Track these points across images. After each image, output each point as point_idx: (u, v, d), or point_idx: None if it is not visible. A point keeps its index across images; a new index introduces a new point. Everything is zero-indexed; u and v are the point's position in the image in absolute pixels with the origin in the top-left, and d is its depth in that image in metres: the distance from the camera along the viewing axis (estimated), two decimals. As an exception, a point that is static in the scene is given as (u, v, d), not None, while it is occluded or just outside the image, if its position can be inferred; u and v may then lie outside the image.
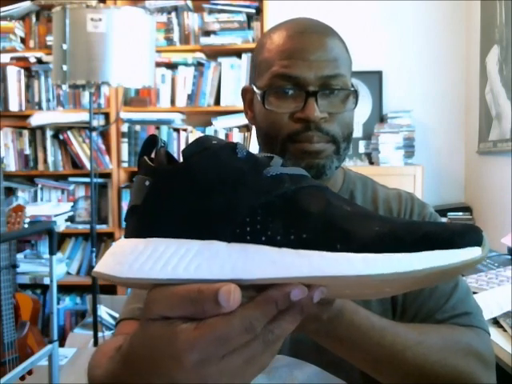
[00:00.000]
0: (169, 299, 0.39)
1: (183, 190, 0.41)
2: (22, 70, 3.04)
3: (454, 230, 0.38)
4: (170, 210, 0.40)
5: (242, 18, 2.91)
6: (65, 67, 2.14)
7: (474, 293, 1.39)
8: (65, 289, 2.98)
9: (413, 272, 0.37)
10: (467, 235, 0.38)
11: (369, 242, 0.38)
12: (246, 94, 0.86)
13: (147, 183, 0.42)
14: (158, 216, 0.41)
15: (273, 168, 0.42)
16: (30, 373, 2.09)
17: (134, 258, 0.40)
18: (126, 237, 0.43)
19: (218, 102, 2.97)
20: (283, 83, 0.76)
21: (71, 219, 3.03)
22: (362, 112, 3.02)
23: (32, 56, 2.99)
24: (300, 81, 0.75)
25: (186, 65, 2.98)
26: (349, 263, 0.37)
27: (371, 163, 2.91)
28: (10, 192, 3.07)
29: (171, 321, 0.39)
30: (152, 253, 0.39)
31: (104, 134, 3.01)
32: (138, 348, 0.42)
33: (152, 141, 0.45)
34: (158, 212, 0.41)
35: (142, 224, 0.41)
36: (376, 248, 0.38)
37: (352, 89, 0.79)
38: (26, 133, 3.05)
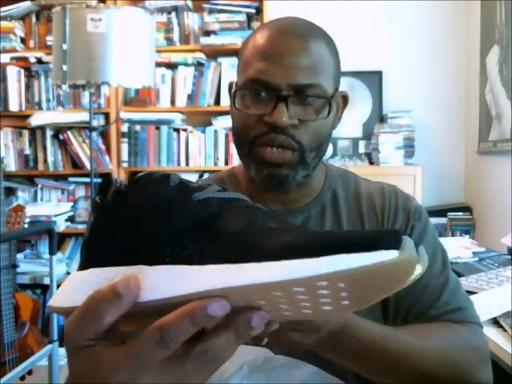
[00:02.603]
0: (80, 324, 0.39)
1: (118, 221, 0.43)
2: (22, 70, 3.04)
3: (370, 234, 0.36)
4: (107, 241, 0.43)
5: (242, 17, 2.91)
6: (65, 67, 2.14)
7: (474, 293, 1.39)
8: (65, 289, 2.98)
9: (314, 277, 0.34)
10: (382, 239, 0.35)
11: (275, 251, 0.36)
12: (231, 89, 0.85)
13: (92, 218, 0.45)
14: (98, 248, 0.44)
15: (202, 193, 0.43)
16: (30, 373, 2.09)
17: (77, 288, 0.42)
18: (77, 270, 0.45)
19: (218, 102, 2.97)
20: (256, 87, 0.75)
21: (71, 219, 3.03)
22: (361, 112, 3.03)
23: (32, 56, 2.99)
24: (271, 86, 0.74)
25: (186, 65, 2.98)
26: (251, 272, 0.36)
27: (371, 163, 2.91)
28: (10, 192, 3.07)
29: (93, 346, 0.39)
30: (92, 282, 0.41)
31: (104, 134, 3.01)
32: (73, 379, 0.42)
33: (107, 182, 0.47)
34: (98, 244, 0.44)
35: (88, 257, 0.44)
36: (282, 257, 0.36)
37: (329, 98, 0.76)
38: (25, 133, 3.05)
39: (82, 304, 0.39)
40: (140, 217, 0.42)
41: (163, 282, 0.39)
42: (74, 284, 0.43)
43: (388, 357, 0.65)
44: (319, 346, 0.60)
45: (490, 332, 1.24)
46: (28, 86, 3.05)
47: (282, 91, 0.73)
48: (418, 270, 0.47)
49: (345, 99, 0.85)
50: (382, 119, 3.01)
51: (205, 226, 0.41)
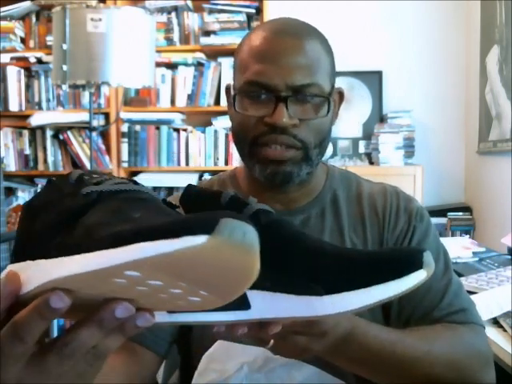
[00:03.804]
0: None
1: (24, 221, 0.46)
2: (22, 70, 3.04)
3: (181, 220, 0.34)
4: (18, 241, 0.46)
5: (242, 18, 2.91)
6: (65, 67, 2.14)
7: (474, 293, 1.39)
8: (65, 289, 2.98)
9: (114, 267, 0.34)
10: (192, 224, 0.32)
11: (99, 243, 0.36)
12: (228, 91, 0.87)
13: None
14: (14, 247, 0.47)
15: (90, 187, 0.43)
16: (29, 373, 2.09)
17: None
18: None
19: (218, 102, 2.97)
20: (254, 89, 0.76)
21: (71, 219, 3.03)
22: (362, 112, 3.03)
23: (32, 56, 2.99)
24: (270, 87, 0.74)
25: (186, 65, 2.98)
26: (71, 264, 0.36)
27: (371, 163, 2.91)
28: (10, 192, 3.06)
29: None
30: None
31: (104, 134, 3.01)
32: None
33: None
34: (15, 244, 0.47)
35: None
36: (103, 247, 0.35)
37: (327, 96, 0.76)
38: (25, 133, 3.05)
39: None
40: (36, 215, 0.45)
41: (36, 274, 0.40)
42: None
43: (395, 362, 0.65)
44: (326, 352, 0.60)
45: (490, 332, 1.24)
46: (28, 86, 3.05)
47: (280, 92, 0.74)
48: (423, 275, 0.46)
49: (341, 95, 0.86)
50: (382, 119, 3.01)
51: (71, 218, 0.42)
